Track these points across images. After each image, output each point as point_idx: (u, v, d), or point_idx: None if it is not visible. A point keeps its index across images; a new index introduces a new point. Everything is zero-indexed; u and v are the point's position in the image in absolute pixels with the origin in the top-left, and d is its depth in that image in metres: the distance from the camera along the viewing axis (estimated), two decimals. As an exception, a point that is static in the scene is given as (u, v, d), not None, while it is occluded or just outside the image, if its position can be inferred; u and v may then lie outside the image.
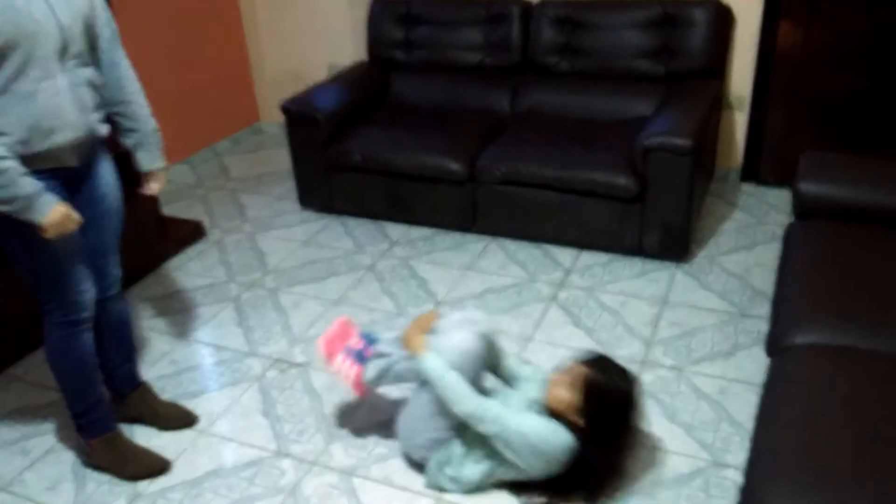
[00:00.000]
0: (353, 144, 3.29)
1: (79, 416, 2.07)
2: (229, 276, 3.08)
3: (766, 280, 2.80)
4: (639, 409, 1.94)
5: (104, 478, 2.10)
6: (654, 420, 2.20)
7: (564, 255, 3.09)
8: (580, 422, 1.85)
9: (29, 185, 1.69)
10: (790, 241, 2.32)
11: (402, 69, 3.76)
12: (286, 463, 2.12)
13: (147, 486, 2.07)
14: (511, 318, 2.69)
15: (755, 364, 2.38)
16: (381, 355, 2.09)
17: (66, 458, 2.19)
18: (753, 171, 3.59)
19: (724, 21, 3.29)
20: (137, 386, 2.27)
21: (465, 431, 1.94)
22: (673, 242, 2.93)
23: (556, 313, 2.72)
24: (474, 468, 1.94)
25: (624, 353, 2.48)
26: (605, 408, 1.87)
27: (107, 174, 2.01)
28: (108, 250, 2.06)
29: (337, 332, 2.13)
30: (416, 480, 2.03)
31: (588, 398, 1.85)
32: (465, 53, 3.62)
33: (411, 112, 3.57)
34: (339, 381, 2.16)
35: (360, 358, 2.09)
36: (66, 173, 1.84)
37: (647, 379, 2.36)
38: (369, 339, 2.14)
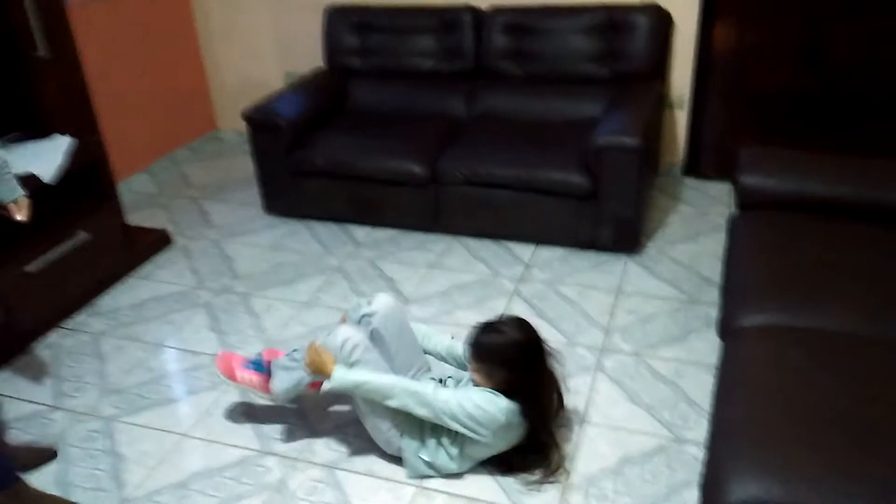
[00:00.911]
0: (315, 150, 3.36)
1: None
2: (199, 282, 3.12)
3: (712, 268, 2.98)
4: (535, 345, 2.03)
5: (89, 483, 2.14)
6: (618, 402, 2.34)
7: (524, 250, 3.22)
8: (506, 385, 1.98)
9: None
10: (734, 230, 2.47)
11: (360, 76, 3.84)
12: (271, 461, 2.19)
13: (134, 491, 2.11)
14: (477, 313, 2.80)
15: (707, 346, 2.55)
16: (287, 368, 2.18)
17: (49, 470, 2.20)
18: (695, 166, 3.80)
19: (664, 25, 3.46)
20: None
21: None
22: (624, 236, 3.09)
23: (519, 306, 2.85)
24: (449, 450, 2.06)
25: (585, 341, 2.62)
26: (506, 362, 1.98)
27: None
28: None
29: (225, 358, 2.27)
30: (398, 471, 2.12)
31: (492, 365, 1.99)
32: (421, 60, 3.72)
33: (371, 117, 3.65)
34: (249, 391, 2.28)
35: (259, 367, 2.23)
36: None
37: (609, 364, 2.51)
38: (255, 365, 2.25)
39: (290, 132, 3.36)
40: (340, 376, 1.99)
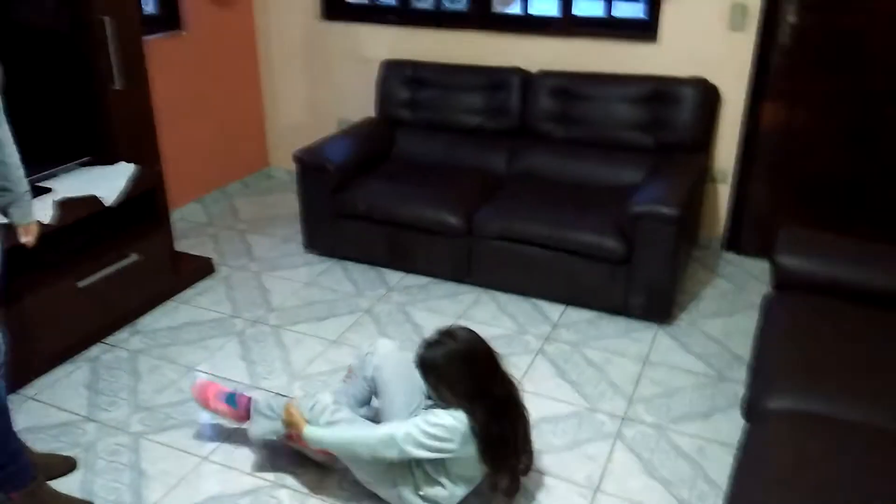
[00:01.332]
0: (358, 194, 3.49)
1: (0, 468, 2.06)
2: (235, 311, 3.23)
3: (744, 346, 2.93)
4: (478, 354, 2.04)
5: (110, 495, 2.22)
6: (635, 474, 2.33)
7: (553, 309, 3.25)
8: (463, 399, 1.98)
9: None
10: (768, 310, 2.45)
11: (407, 126, 3.98)
12: (283, 493, 2.24)
13: (151, 508, 2.19)
14: (501, 368, 2.84)
15: (732, 426, 2.49)
16: (266, 416, 2.28)
17: (74, 478, 2.30)
18: (736, 242, 3.80)
19: (711, 100, 3.53)
20: None
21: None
22: (657, 305, 3.10)
23: (542, 365, 2.88)
24: (439, 479, 2.07)
25: (607, 408, 2.63)
26: (443, 374, 2.00)
27: None
28: None
29: (202, 387, 2.42)
30: (405, 515, 2.15)
31: (433, 379, 2.02)
32: (467, 116, 3.84)
33: (414, 167, 3.77)
34: (220, 419, 2.41)
35: (232, 401, 2.36)
36: None
37: (629, 433, 2.50)
38: (229, 398, 2.37)
39: (336, 175, 3.49)
40: (308, 434, 2.11)
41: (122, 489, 2.25)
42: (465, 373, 2.00)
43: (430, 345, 2.05)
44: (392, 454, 2.00)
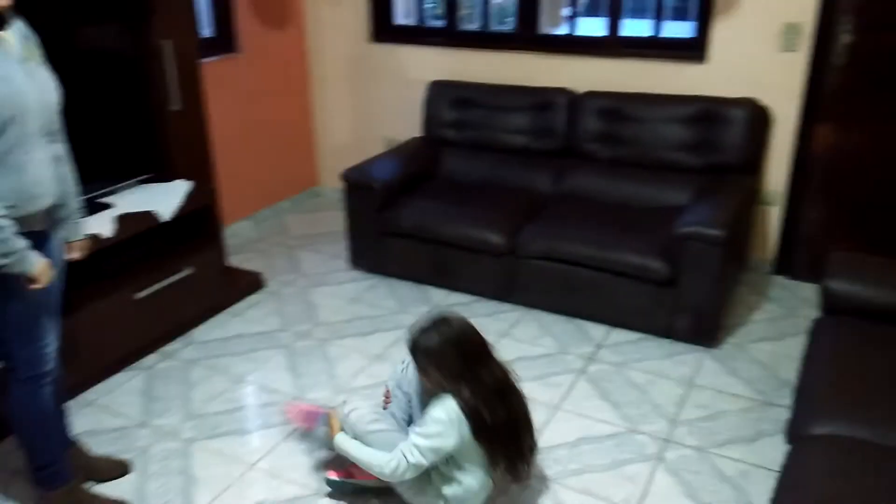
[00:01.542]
0: (403, 213, 3.55)
1: (40, 469, 2.16)
2: (283, 325, 3.32)
3: (792, 371, 2.87)
4: (462, 341, 2.07)
5: (162, 498, 2.29)
6: (675, 497, 2.30)
7: (596, 330, 3.25)
8: (452, 382, 2.02)
9: (22, 241, 1.86)
10: (816, 334, 2.42)
11: (453, 146, 4.03)
12: (324, 502, 2.29)
13: (197, 513, 2.26)
14: (540, 387, 2.85)
15: (777, 451, 2.45)
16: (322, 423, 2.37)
17: (128, 480, 2.38)
18: (786, 265, 3.73)
19: (761, 120, 3.49)
20: (72, 442, 2.36)
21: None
22: (702, 327, 3.06)
23: (584, 385, 2.87)
24: (453, 475, 2.10)
25: (648, 429, 2.61)
26: (435, 359, 2.05)
27: (57, 240, 2.14)
28: (56, 310, 2.16)
29: (300, 415, 2.47)
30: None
31: (418, 362, 2.07)
32: (513, 136, 3.87)
33: (459, 186, 3.82)
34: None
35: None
36: (34, 236, 1.97)
37: (670, 456, 2.48)
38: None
39: (381, 194, 3.57)
40: (338, 442, 2.20)
41: (172, 492, 2.33)
42: (456, 356, 2.04)
43: (423, 329, 2.10)
44: (408, 474, 2.05)
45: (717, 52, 3.55)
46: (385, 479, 2.11)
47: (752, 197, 3.52)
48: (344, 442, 2.18)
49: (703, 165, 3.51)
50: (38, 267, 1.90)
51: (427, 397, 2.15)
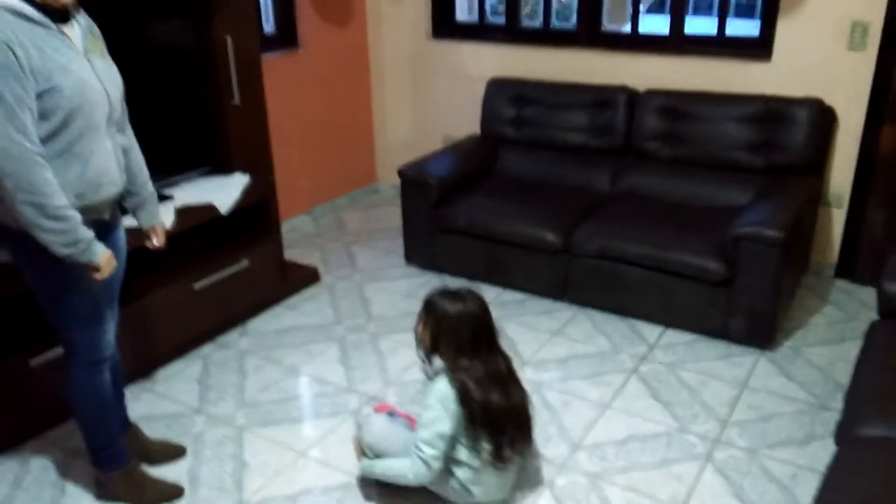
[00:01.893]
0: (459, 210, 3.57)
1: (99, 450, 2.23)
2: (337, 318, 3.38)
3: (849, 375, 2.80)
4: (474, 314, 2.13)
5: (215, 482, 2.38)
6: (723, 496, 2.27)
7: (650, 330, 3.21)
8: (453, 355, 2.08)
9: (87, 230, 1.90)
10: (871, 337, 2.37)
11: (511, 144, 4.04)
12: (371, 491, 2.33)
13: (251, 496, 2.32)
14: (591, 385, 2.83)
15: (828, 455, 2.35)
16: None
17: (183, 464, 2.48)
18: (848, 269, 3.61)
19: (826, 121, 3.40)
20: (130, 425, 2.45)
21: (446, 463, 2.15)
22: (758, 329, 3.00)
23: (635, 385, 2.84)
24: (462, 457, 2.13)
25: (698, 430, 2.57)
26: (437, 317, 2.13)
27: (121, 230, 2.21)
28: (116, 298, 2.24)
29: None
30: (488, 522, 2.20)
31: (426, 316, 2.16)
32: (571, 134, 3.86)
33: (515, 184, 3.83)
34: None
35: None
36: (99, 225, 2.02)
37: (720, 456, 2.44)
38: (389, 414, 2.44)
39: (437, 190, 3.60)
40: (362, 468, 2.29)
41: (225, 477, 2.41)
42: (469, 331, 2.11)
43: (447, 294, 2.17)
44: (430, 470, 2.10)
45: (783, 50, 3.47)
46: (417, 485, 2.15)
47: (815, 198, 3.43)
48: (367, 466, 2.25)
49: (765, 166, 3.43)
50: (103, 258, 1.95)
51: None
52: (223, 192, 3.14)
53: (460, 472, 2.16)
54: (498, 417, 2.12)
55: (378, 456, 2.24)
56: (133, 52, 2.12)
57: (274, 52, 4.03)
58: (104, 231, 2.06)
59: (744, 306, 2.98)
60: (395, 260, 3.94)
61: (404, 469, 2.13)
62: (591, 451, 2.48)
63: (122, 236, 2.22)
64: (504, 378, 2.17)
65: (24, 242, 1.88)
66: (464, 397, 2.07)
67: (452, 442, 2.12)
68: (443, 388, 2.09)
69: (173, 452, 2.50)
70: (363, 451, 2.30)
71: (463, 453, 2.14)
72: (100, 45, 2.00)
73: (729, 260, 2.96)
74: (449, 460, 2.15)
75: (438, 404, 2.08)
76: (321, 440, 2.57)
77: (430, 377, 2.19)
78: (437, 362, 2.17)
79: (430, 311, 2.16)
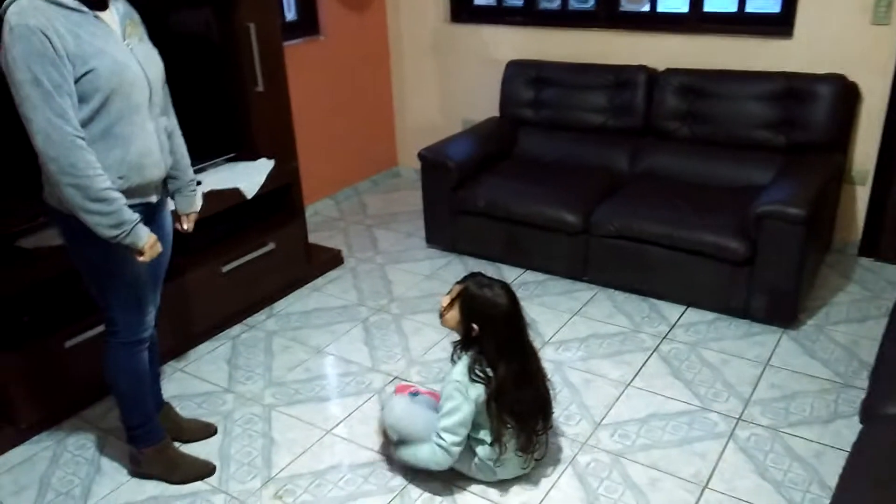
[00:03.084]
0: (478, 191, 3.60)
1: (134, 427, 2.29)
2: (360, 300, 3.44)
3: (873, 354, 2.79)
4: (515, 310, 2.15)
5: (244, 459, 2.45)
6: (745, 474, 2.29)
7: (670, 310, 3.22)
8: (473, 331, 2.12)
9: (131, 213, 1.93)
10: (895, 314, 2.36)
11: (530, 126, 4.05)
12: (397, 468, 2.38)
13: (279, 472, 2.38)
14: (612, 364, 2.86)
15: (854, 433, 2.35)
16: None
17: (213, 441, 2.55)
18: (873, 247, 3.59)
19: (849, 97, 3.36)
20: (163, 404, 2.51)
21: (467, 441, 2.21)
22: (781, 308, 3.00)
23: (656, 363, 2.87)
24: (480, 436, 2.19)
25: (721, 408, 2.59)
26: (479, 311, 2.13)
27: (167, 211, 2.26)
28: (160, 280, 2.30)
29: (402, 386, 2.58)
30: (509, 497, 2.24)
31: (464, 308, 2.15)
32: (590, 115, 3.86)
33: (534, 165, 3.84)
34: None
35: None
36: (146, 207, 2.06)
37: (742, 434, 2.46)
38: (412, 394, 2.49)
39: (456, 173, 3.62)
40: (396, 455, 2.33)
41: (254, 454, 2.47)
42: (505, 327, 2.13)
43: (485, 290, 2.15)
44: (451, 455, 2.16)
45: (804, 26, 3.44)
46: (442, 469, 2.21)
47: (838, 176, 3.41)
48: (398, 452, 2.31)
49: (787, 144, 3.41)
50: (147, 241, 1.97)
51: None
52: (248, 176, 3.19)
53: (482, 451, 2.20)
54: (527, 413, 2.17)
55: (400, 436, 2.29)
56: (160, 40, 2.15)
57: (295, 38, 4.06)
58: (149, 214, 2.10)
59: (766, 285, 2.98)
60: (417, 242, 3.98)
61: (428, 456, 2.19)
62: (613, 429, 2.51)
63: (168, 221, 2.27)
64: (534, 374, 2.21)
65: (70, 224, 1.94)
66: (499, 398, 2.12)
67: (473, 424, 2.17)
68: (460, 374, 2.13)
69: (205, 431, 2.57)
70: (386, 432, 2.36)
71: (484, 433, 2.18)
72: (139, 30, 2.04)
73: (750, 239, 2.96)
74: (470, 439, 2.20)
75: (457, 393, 2.12)
76: (347, 418, 2.63)
77: (454, 361, 2.22)
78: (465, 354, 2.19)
79: (470, 307, 2.15)
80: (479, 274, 2.25)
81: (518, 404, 2.15)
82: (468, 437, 2.20)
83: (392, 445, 2.35)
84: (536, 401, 2.22)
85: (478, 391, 2.13)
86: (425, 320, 3.23)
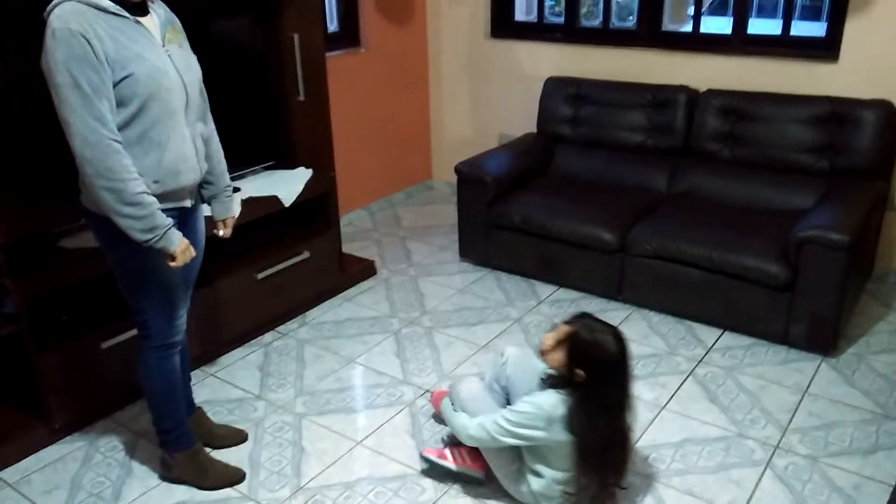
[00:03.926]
0: (514, 207, 3.59)
1: (165, 432, 2.30)
2: (393, 311, 3.43)
3: (917, 385, 2.75)
4: (625, 362, 2.03)
5: (274, 467, 2.44)
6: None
7: (707, 333, 3.17)
8: (577, 377, 2.01)
9: (164, 217, 1.93)
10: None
11: (567, 143, 4.03)
12: (427, 483, 2.36)
13: (308, 482, 2.37)
14: (647, 386, 2.82)
15: (895, 466, 2.36)
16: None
17: (244, 448, 2.55)
18: (917, 276, 3.52)
19: (894, 124, 3.30)
20: (195, 409, 2.52)
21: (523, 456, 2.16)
22: (820, 335, 2.94)
23: (692, 387, 2.82)
24: (539, 470, 2.13)
25: (758, 435, 2.53)
26: (589, 359, 2.01)
27: (201, 216, 2.26)
28: (192, 284, 2.29)
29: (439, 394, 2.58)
30: (542, 517, 2.21)
31: (572, 352, 2.03)
32: (629, 134, 3.83)
33: (571, 183, 3.82)
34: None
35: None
36: (181, 212, 2.07)
37: (780, 463, 2.40)
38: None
39: (492, 188, 3.62)
40: (442, 406, 2.38)
41: (284, 462, 2.47)
42: (620, 375, 2.04)
43: (592, 326, 2.07)
44: (482, 442, 2.14)
45: (850, 50, 3.39)
46: (465, 442, 2.20)
47: (881, 203, 3.34)
48: (446, 406, 2.33)
49: (830, 169, 3.36)
50: (179, 247, 1.98)
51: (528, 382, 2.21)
52: (287, 185, 3.21)
53: (535, 483, 2.16)
54: (613, 461, 2.12)
55: (462, 407, 2.27)
56: (202, 48, 2.18)
57: (337, 50, 4.10)
58: (183, 219, 2.12)
59: (806, 311, 2.92)
60: (450, 256, 3.98)
61: (467, 423, 2.17)
62: (647, 452, 2.47)
63: (201, 226, 2.28)
64: (626, 433, 2.12)
65: (105, 227, 1.96)
66: (586, 453, 2.06)
67: (536, 452, 2.13)
68: (557, 405, 2.04)
69: (236, 437, 2.57)
70: (451, 401, 2.34)
71: (542, 468, 2.14)
72: (179, 36, 2.06)
73: (791, 264, 2.91)
74: (529, 468, 2.16)
75: (542, 413, 2.04)
76: (378, 430, 2.62)
77: (545, 385, 2.15)
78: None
79: (579, 353, 2.03)
80: (590, 316, 2.13)
81: (603, 461, 2.09)
82: (524, 457, 2.17)
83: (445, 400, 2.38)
84: (620, 456, 2.13)
85: (565, 435, 2.05)
86: (457, 334, 3.21)
